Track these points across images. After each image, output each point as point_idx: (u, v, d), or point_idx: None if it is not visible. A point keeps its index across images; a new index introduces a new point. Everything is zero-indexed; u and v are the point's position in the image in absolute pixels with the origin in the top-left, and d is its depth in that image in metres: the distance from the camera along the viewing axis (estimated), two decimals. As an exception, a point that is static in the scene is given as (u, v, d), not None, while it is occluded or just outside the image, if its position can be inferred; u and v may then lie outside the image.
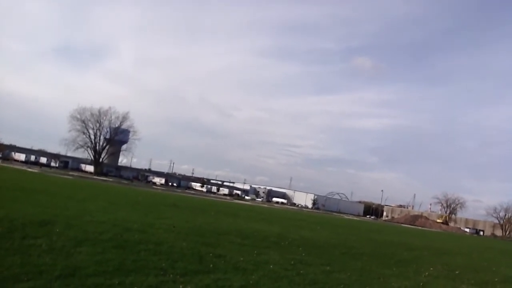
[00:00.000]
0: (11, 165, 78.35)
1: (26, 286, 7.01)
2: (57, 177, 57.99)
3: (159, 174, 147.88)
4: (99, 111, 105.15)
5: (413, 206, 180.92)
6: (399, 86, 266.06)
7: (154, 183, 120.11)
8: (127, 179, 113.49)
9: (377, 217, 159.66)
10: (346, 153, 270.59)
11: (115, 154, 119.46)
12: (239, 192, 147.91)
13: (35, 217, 13.53)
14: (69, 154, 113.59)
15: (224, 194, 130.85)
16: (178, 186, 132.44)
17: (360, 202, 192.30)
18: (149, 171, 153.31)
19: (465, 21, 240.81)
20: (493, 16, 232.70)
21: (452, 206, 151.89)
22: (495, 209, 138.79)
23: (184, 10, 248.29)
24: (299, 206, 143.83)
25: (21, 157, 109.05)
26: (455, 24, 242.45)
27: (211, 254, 12.06)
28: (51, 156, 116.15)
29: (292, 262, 12.99)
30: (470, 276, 16.76)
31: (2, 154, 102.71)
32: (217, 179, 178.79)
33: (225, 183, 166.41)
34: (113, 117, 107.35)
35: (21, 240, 10.19)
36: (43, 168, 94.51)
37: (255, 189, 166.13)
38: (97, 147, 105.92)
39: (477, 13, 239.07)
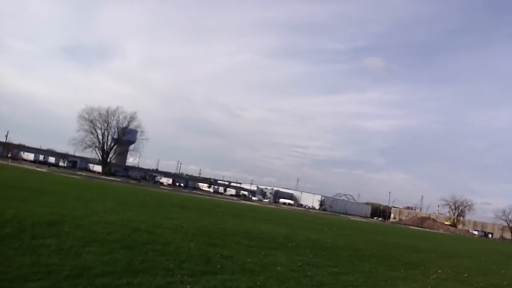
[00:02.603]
0: (20, 165, 79.09)
1: (36, 286, 7.06)
2: (65, 177, 58.41)
3: (166, 174, 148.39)
4: (107, 111, 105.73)
5: (420, 208, 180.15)
6: (407, 87, 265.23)
7: (162, 184, 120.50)
8: (135, 179, 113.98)
9: (385, 219, 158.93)
10: (353, 154, 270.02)
11: (122, 154, 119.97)
12: (246, 192, 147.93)
13: (44, 217, 13.65)
14: (77, 154, 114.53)
15: (231, 195, 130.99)
16: (185, 186, 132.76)
17: (367, 203, 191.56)
18: (157, 171, 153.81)
19: (473, 21, 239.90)
20: (501, 16, 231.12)
21: (460, 208, 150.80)
22: (504, 212, 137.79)
23: (191, 10, 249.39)
24: (306, 207, 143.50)
25: (30, 156, 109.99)
26: (463, 24, 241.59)
27: (218, 255, 12.09)
28: (59, 156, 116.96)
29: (299, 264, 12.97)
30: (479, 279, 16.62)
31: (11, 154, 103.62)
32: (224, 179, 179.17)
33: (232, 184, 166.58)
34: (121, 117, 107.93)
35: (30, 240, 10.28)
36: (52, 167, 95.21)
37: (262, 190, 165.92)
38: (105, 147, 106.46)
39: (485, 13, 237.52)
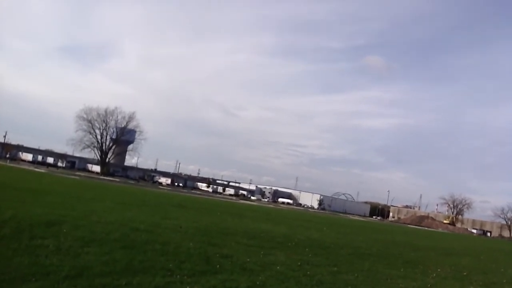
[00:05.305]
0: (18, 165, 78.93)
1: (34, 286, 7.02)
2: (64, 177, 58.30)
3: (165, 174, 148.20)
4: (106, 111, 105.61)
5: (419, 207, 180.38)
6: (406, 85, 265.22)
7: (160, 183, 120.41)
8: (134, 179, 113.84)
9: (383, 218, 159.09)
10: (352, 153, 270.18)
11: (121, 154, 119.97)
12: (245, 192, 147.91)
13: (43, 217, 13.58)
14: (75, 154, 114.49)
15: (230, 195, 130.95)
16: (184, 186, 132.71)
17: (366, 202, 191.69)
18: (155, 171, 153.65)
19: (473, 19, 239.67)
20: (501, 13, 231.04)
21: (459, 206, 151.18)
22: (502, 210, 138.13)
23: (189, 9, 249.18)
24: (305, 206, 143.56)
25: (28, 157, 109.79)
26: (462, 22, 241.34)
27: (217, 255, 12.05)
28: (58, 156, 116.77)
29: (299, 263, 12.94)
30: (478, 277, 16.63)
31: (9, 154, 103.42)
32: (223, 179, 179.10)
33: (231, 183, 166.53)
34: (119, 117, 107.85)
35: (28, 240, 10.22)
36: (50, 168, 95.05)
37: (261, 189, 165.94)
38: (104, 147, 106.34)
39: (485, 10, 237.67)
